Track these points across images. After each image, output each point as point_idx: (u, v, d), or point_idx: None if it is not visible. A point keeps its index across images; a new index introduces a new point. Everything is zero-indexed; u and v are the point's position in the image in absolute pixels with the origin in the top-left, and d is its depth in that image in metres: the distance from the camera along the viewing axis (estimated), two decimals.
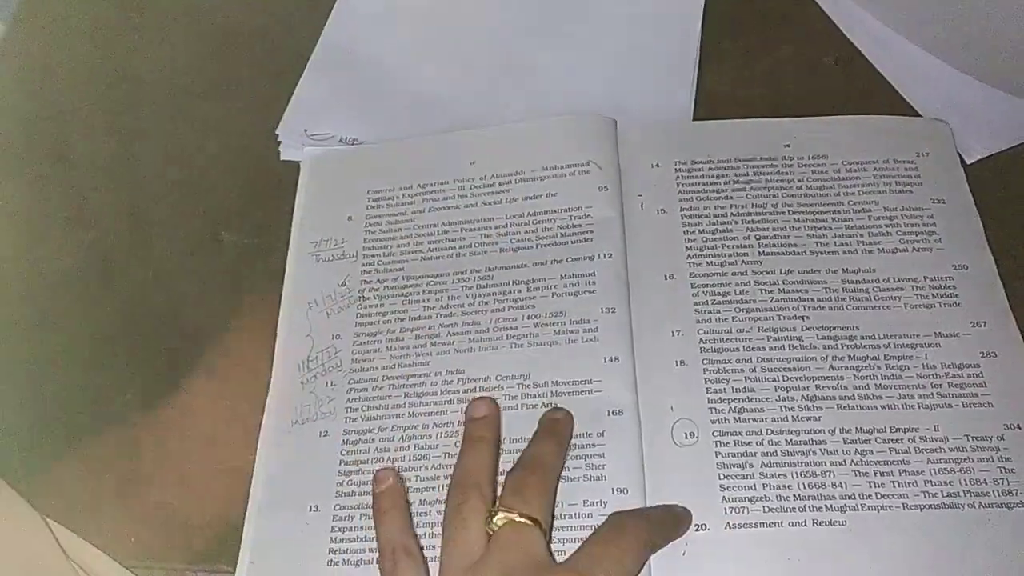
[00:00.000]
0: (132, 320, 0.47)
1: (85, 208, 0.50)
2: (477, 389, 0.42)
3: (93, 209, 0.50)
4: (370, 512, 0.39)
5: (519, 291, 0.44)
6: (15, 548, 0.37)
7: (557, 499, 0.39)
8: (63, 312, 0.47)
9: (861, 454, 0.39)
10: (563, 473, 0.39)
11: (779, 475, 0.39)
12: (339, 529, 0.39)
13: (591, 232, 0.45)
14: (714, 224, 0.46)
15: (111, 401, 0.44)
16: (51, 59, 0.56)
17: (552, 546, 0.37)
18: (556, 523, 0.38)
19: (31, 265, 0.49)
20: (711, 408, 0.41)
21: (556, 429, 0.39)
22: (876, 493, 0.39)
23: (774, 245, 0.45)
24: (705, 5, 0.54)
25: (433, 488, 0.40)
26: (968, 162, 0.48)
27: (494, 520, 0.35)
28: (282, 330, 0.45)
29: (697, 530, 0.38)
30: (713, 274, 0.44)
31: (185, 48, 0.56)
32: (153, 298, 0.47)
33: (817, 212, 0.46)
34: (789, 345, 0.42)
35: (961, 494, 0.38)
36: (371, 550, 0.39)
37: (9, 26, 0.57)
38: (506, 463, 0.40)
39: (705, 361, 0.42)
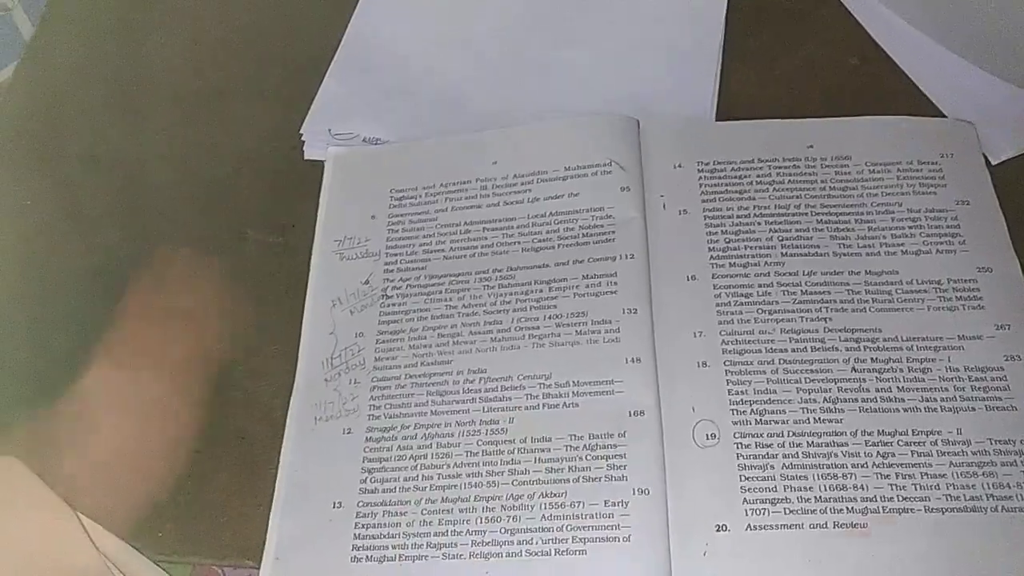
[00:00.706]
0: (159, 317, 0.47)
1: (112, 207, 0.51)
2: (499, 388, 0.42)
3: (120, 209, 0.51)
4: (392, 509, 0.39)
5: (541, 291, 0.44)
6: (45, 539, 0.38)
7: (579, 499, 0.39)
8: (89, 311, 0.47)
9: (883, 457, 0.39)
10: (584, 473, 0.40)
11: (800, 477, 0.39)
12: (362, 525, 0.40)
13: (613, 232, 0.45)
14: (737, 225, 0.46)
15: (138, 397, 0.44)
16: (79, 60, 0.57)
17: (571, 546, 0.37)
18: (576, 523, 0.39)
19: (60, 265, 0.49)
20: (733, 409, 0.41)
21: None
22: (898, 496, 0.39)
23: (797, 246, 0.45)
24: (728, 4, 0.54)
25: (455, 486, 0.40)
26: (993, 163, 0.47)
27: None
28: (306, 328, 0.45)
29: (718, 531, 0.38)
30: (735, 275, 0.44)
31: (211, 48, 0.57)
32: (182, 296, 0.48)
33: (840, 213, 0.46)
34: (811, 347, 0.42)
35: (984, 498, 0.38)
36: (393, 547, 0.39)
37: (38, 27, 0.58)
38: (526, 461, 0.40)
39: (727, 362, 0.42)
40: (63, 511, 0.38)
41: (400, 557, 0.39)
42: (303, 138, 0.51)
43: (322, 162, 0.51)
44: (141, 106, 0.54)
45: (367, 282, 0.46)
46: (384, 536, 0.40)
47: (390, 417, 0.42)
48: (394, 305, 0.45)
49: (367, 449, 0.42)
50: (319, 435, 0.42)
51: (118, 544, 0.39)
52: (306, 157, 0.51)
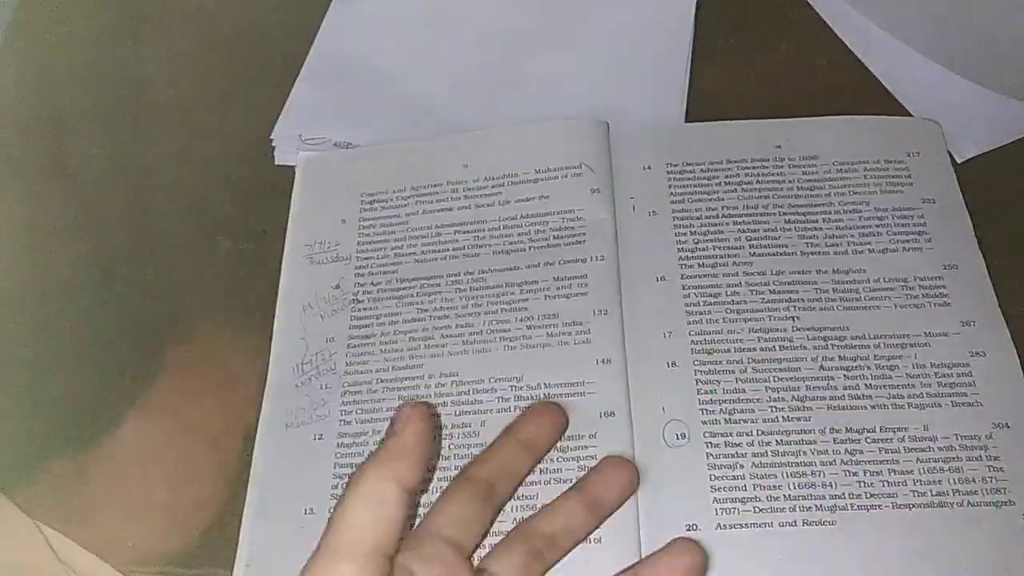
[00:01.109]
0: (128, 326, 0.47)
1: (82, 216, 0.50)
2: (470, 391, 0.42)
3: (90, 217, 0.50)
4: None
5: (512, 293, 0.45)
6: (6, 553, 0.38)
7: (550, 499, 0.39)
8: (59, 319, 0.47)
9: (851, 454, 0.40)
10: (555, 475, 0.40)
11: (770, 475, 0.39)
12: None
13: (584, 234, 0.46)
14: (705, 226, 0.46)
15: (107, 406, 0.44)
16: (47, 65, 0.57)
17: None
18: None
19: (28, 273, 0.49)
20: (702, 409, 0.41)
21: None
22: (866, 493, 0.39)
23: (765, 246, 0.45)
24: (697, 6, 0.54)
25: (429, 491, 0.40)
26: (959, 161, 0.48)
27: None
28: (277, 333, 0.45)
29: (688, 530, 0.38)
30: (704, 275, 0.44)
31: (181, 55, 0.56)
32: (151, 302, 0.48)
33: (808, 213, 0.46)
34: (780, 346, 0.42)
35: (950, 493, 0.39)
36: None
37: (3, 35, 0.58)
38: None
39: (696, 362, 0.42)
40: (24, 524, 0.38)
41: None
42: (273, 144, 0.51)
43: (293, 168, 0.50)
44: (109, 114, 0.54)
45: (338, 287, 0.46)
46: None
47: (361, 422, 0.42)
48: (365, 309, 0.45)
49: (338, 455, 0.42)
50: (290, 441, 0.42)
51: (86, 557, 0.38)
52: (276, 162, 0.51)
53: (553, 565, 0.35)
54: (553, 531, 0.35)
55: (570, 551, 0.36)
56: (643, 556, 0.38)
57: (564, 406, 0.40)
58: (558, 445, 0.40)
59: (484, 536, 0.36)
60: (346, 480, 0.32)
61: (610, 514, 0.37)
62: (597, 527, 0.37)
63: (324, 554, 0.30)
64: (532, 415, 0.39)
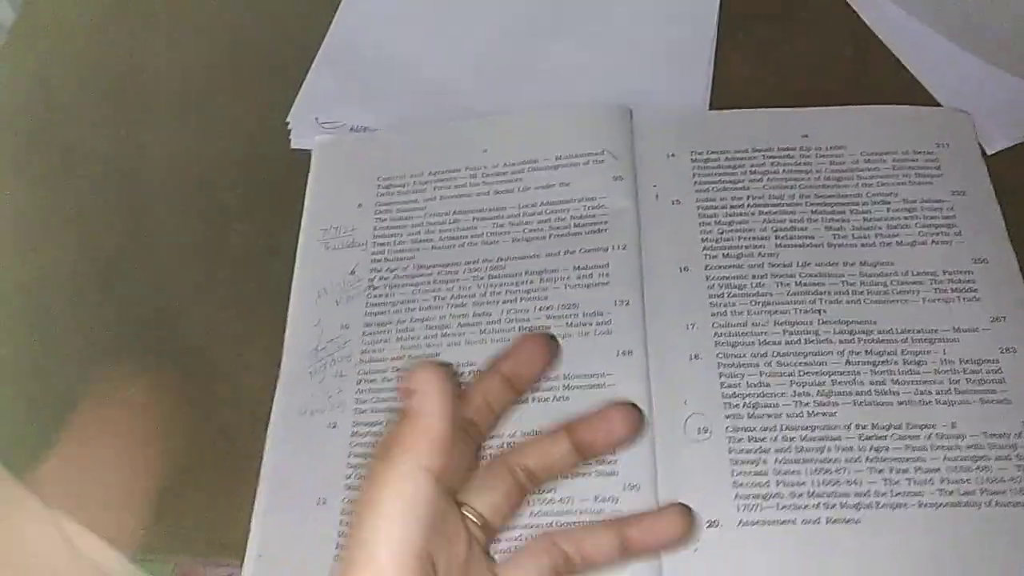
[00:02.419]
0: (143, 313, 0.46)
1: (95, 205, 0.50)
2: None
3: (103, 205, 0.50)
4: None
5: (531, 282, 0.44)
6: (27, 544, 0.37)
7: (568, 495, 0.38)
8: (73, 306, 0.47)
9: (876, 451, 0.39)
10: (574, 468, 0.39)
11: (793, 472, 0.39)
12: (347, 523, 0.39)
13: (605, 223, 0.45)
14: (730, 215, 0.45)
15: (120, 393, 0.44)
16: (58, 53, 0.56)
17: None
18: (567, 519, 0.38)
19: (37, 266, 0.48)
20: (725, 403, 0.40)
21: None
22: (891, 491, 0.38)
23: (791, 237, 0.44)
24: None
25: None
26: (989, 153, 0.47)
27: None
28: (291, 320, 0.45)
29: (709, 527, 0.38)
30: (729, 266, 0.44)
31: (196, 39, 0.56)
32: (164, 289, 0.47)
33: (835, 204, 0.45)
34: (805, 339, 0.42)
35: (978, 492, 0.38)
36: None
37: (14, 27, 0.57)
38: None
39: (720, 355, 0.41)
40: (40, 512, 0.37)
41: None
42: (290, 127, 0.51)
43: (309, 152, 0.50)
44: (123, 101, 0.54)
45: (353, 272, 0.45)
46: None
47: (377, 411, 0.41)
48: (381, 296, 0.44)
49: (353, 444, 0.41)
50: (304, 430, 0.42)
51: (98, 544, 0.38)
52: (293, 146, 0.50)
53: (531, 495, 0.34)
54: (534, 466, 0.33)
55: (551, 482, 0.34)
56: (662, 555, 0.37)
57: (583, 398, 0.39)
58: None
59: (467, 471, 0.34)
60: (367, 466, 0.31)
61: (598, 455, 0.35)
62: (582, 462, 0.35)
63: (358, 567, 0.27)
64: (518, 347, 0.35)
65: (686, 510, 0.33)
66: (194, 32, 0.56)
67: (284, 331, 0.44)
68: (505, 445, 0.39)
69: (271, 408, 0.43)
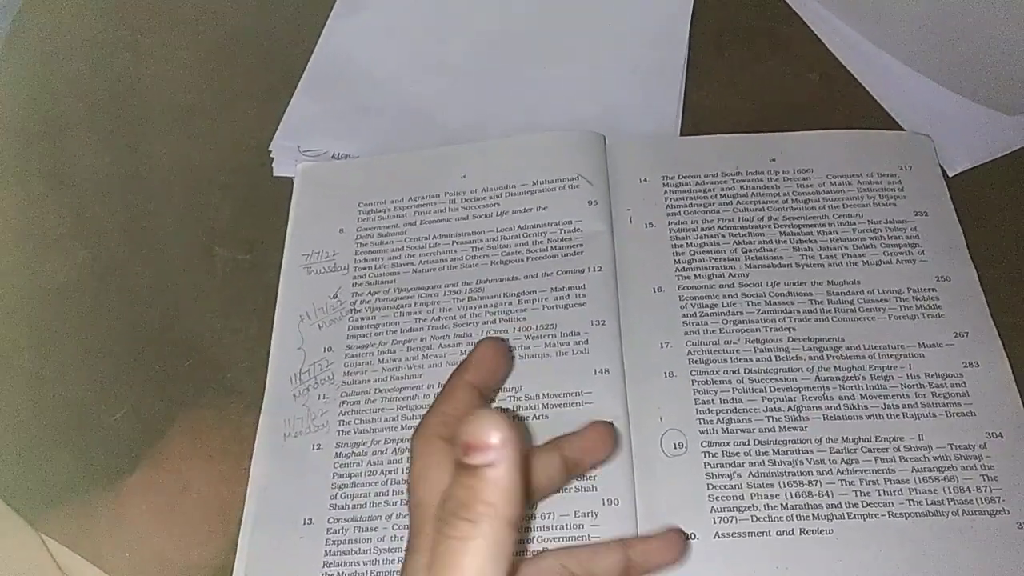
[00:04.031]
0: (126, 336, 0.47)
1: (79, 225, 0.50)
2: None
3: (87, 226, 0.50)
4: (363, 524, 0.39)
5: (510, 303, 0.45)
6: (11, 565, 0.37)
7: (549, 510, 0.39)
8: (56, 329, 0.47)
9: (847, 463, 0.40)
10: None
11: (767, 484, 0.40)
12: (333, 542, 0.40)
13: (581, 245, 0.46)
14: (702, 237, 0.46)
15: (106, 416, 0.44)
16: (45, 73, 0.57)
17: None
18: (547, 534, 0.39)
19: (25, 281, 0.49)
20: (700, 419, 0.41)
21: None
22: (862, 502, 0.39)
23: (760, 258, 0.45)
24: (692, 22, 0.55)
25: None
26: (950, 175, 0.49)
27: None
28: (275, 343, 0.45)
29: (687, 540, 0.38)
30: (701, 287, 0.45)
31: (179, 65, 0.56)
32: (147, 313, 0.47)
33: (802, 225, 0.46)
34: (776, 356, 0.43)
35: (945, 502, 0.39)
36: (365, 563, 0.39)
37: (2, 44, 0.58)
38: None
39: (693, 372, 0.42)
40: (28, 536, 0.38)
41: (372, 573, 0.39)
42: (272, 155, 0.51)
43: (291, 179, 0.51)
44: (108, 124, 0.54)
45: (335, 296, 0.46)
46: (355, 552, 0.39)
47: (360, 432, 0.42)
48: (363, 319, 0.45)
49: (337, 465, 0.42)
50: (288, 451, 0.42)
51: (85, 567, 0.38)
52: (275, 174, 0.51)
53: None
54: (534, 481, 0.35)
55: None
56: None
57: (562, 416, 0.40)
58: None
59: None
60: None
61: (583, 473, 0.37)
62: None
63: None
64: (482, 355, 0.37)
65: (684, 535, 0.35)
66: (183, 54, 0.57)
67: (268, 354, 0.45)
68: None
69: (256, 431, 0.43)
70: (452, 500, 0.26)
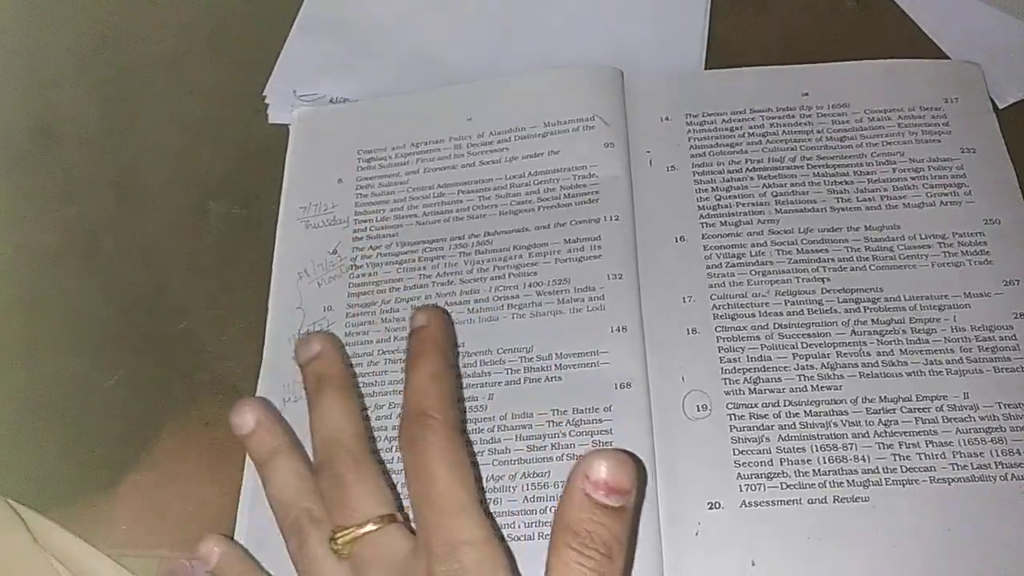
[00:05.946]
0: (118, 297, 0.45)
1: (69, 182, 0.48)
2: (477, 363, 0.40)
3: (77, 183, 0.48)
4: None
5: (520, 257, 0.42)
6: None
7: (563, 479, 0.37)
8: (46, 291, 0.45)
9: (885, 425, 0.37)
10: (568, 451, 0.37)
11: (797, 449, 0.37)
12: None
13: (596, 192, 0.43)
14: (728, 181, 0.43)
15: (97, 382, 0.42)
16: (30, 25, 0.54)
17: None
18: None
19: (14, 242, 0.47)
20: (725, 379, 0.39)
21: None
22: (901, 467, 0.37)
23: (792, 202, 0.42)
24: None
25: None
26: (1001, 107, 0.45)
27: (337, 544, 0.33)
28: (272, 303, 0.43)
29: (711, 509, 0.36)
30: (727, 235, 0.42)
31: (167, 10, 0.53)
32: (140, 273, 0.45)
33: (838, 165, 0.43)
34: (808, 309, 0.40)
35: (992, 466, 0.36)
36: None
37: None
38: (507, 439, 0.38)
39: (718, 328, 0.40)
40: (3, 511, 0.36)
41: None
42: (267, 101, 0.48)
43: (287, 127, 0.48)
44: (95, 74, 0.51)
45: (335, 251, 0.44)
46: None
47: (362, 396, 0.40)
48: (364, 276, 0.43)
49: None
50: (288, 417, 0.40)
51: (74, 541, 0.37)
52: (270, 121, 0.48)
53: None
54: None
55: None
56: (662, 539, 0.36)
57: (577, 377, 0.38)
58: (572, 420, 0.38)
59: None
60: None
61: None
62: None
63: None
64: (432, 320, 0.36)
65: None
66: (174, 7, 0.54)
67: (266, 314, 0.43)
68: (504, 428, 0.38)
69: (254, 395, 0.41)
70: (584, 534, 0.29)
